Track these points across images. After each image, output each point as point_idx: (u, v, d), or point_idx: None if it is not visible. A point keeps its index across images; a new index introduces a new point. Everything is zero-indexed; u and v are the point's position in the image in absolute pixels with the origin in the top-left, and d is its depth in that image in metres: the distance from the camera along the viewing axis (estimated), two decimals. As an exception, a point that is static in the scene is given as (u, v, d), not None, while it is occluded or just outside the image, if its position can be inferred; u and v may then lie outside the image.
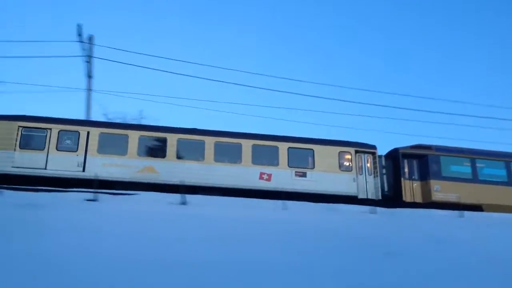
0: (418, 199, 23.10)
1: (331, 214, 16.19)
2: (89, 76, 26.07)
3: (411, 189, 23.38)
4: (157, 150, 21.39)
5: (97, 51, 26.79)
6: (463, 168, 23.53)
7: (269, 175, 21.78)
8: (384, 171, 23.76)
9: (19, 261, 7.54)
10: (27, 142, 20.09)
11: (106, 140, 20.84)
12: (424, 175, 23.39)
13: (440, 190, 22.76)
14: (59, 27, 71.76)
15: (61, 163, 19.83)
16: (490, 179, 23.43)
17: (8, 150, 19.41)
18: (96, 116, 27.39)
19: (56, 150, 20.15)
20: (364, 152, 23.28)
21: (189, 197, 15.87)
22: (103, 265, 7.45)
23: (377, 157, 23.27)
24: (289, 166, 22.03)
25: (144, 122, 29.20)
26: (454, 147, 24.37)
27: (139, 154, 20.89)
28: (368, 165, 23.18)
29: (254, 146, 22.07)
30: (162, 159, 21.02)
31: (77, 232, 9.60)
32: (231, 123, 63.82)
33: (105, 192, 16.21)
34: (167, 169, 20.70)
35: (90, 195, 15.31)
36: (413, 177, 23.67)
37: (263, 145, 22.20)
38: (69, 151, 20.37)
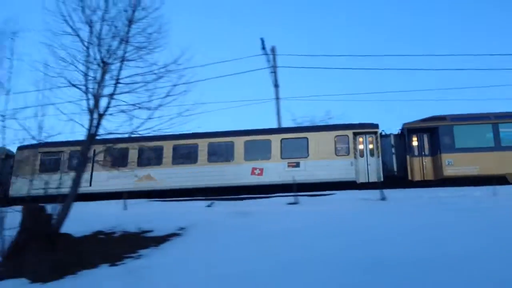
0: (430, 176, 22.17)
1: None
2: (276, 85, 27.93)
3: (420, 166, 22.39)
4: (153, 159, 22.91)
5: (280, 60, 29.35)
6: (483, 136, 21.62)
7: (261, 170, 22.34)
8: (393, 150, 22.92)
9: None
10: (46, 166, 21.84)
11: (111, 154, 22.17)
12: (435, 150, 22.21)
13: (453, 164, 21.20)
14: (242, 44, 75.63)
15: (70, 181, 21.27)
16: None
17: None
18: (286, 123, 28.91)
19: (68, 170, 21.64)
20: (365, 133, 23.00)
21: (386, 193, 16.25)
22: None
23: (378, 137, 22.78)
24: (282, 158, 22.50)
25: (332, 121, 30.04)
26: (475, 114, 22.53)
27: (139, 164, 22.34)
28: (371, 146, 22.80)
29: (246, 142, 22.85)
30: (158, 166, 22.74)
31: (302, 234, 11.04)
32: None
33: (304, 195, 17.16)
34: (163, 176, 22.41)
35: (291, 199, 16.39)
36: (423, 153, 22.68)
37: (255, 140, 22.83)
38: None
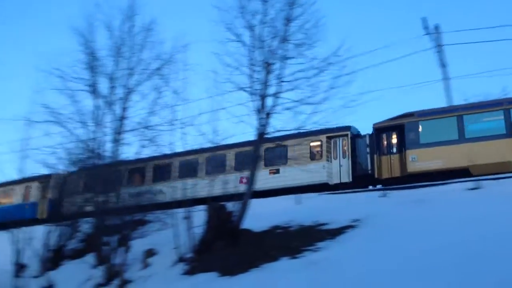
0: (397, 173, 21.94)
1: None
2: (443, 65, 26.42)
3: (388, 164, 22.32)
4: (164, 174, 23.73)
5: (445, 38, 27.19)
6: (448, 129, 20.90)
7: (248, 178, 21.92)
8: (367, 150, 23.20)
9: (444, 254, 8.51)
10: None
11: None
12: (401, 147, 22.21)
13: (417, 160, 20.93)
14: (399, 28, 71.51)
15: None
16: (481, 135, 20.21)
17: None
18: (457, 103, 27.17)
19: None
20: (338, 136, 23.73)
21: None
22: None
23: (349, 139, 23.52)
24: (265, 166, 23.47)
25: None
26: (444, 107, 22.35)
27: (153, 181, 23.05)
28: (344, 148, 23.58)
29: (237, 154, 23.93)
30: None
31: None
32: None
33: (487, 179, 16.31)
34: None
35: (470, 184, 15.47)
36: (391, 151, 22.71)
37: (244, 152, 22.95)
38: None
